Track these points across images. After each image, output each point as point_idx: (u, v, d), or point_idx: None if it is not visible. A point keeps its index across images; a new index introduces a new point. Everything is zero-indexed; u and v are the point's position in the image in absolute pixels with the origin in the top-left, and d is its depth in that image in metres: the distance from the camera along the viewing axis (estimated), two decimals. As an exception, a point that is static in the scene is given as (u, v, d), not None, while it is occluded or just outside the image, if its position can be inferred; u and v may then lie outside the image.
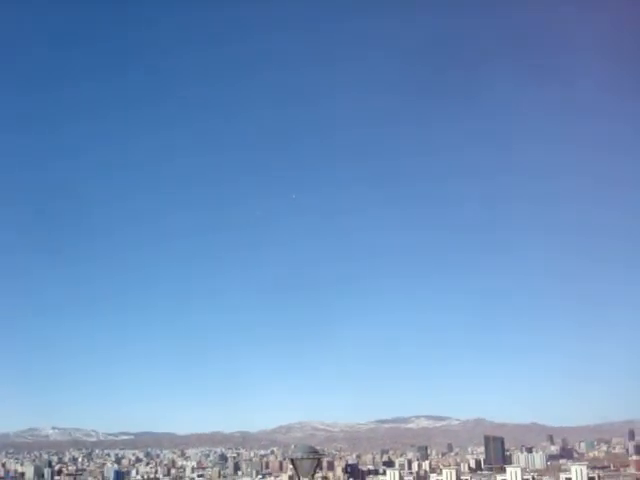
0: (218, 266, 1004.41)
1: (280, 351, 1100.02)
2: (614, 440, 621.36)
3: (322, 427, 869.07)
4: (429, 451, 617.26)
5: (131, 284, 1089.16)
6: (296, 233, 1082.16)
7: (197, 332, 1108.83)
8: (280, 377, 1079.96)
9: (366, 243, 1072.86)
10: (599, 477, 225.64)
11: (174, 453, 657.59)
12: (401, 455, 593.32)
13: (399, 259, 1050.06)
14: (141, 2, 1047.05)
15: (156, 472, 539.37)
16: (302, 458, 25.48)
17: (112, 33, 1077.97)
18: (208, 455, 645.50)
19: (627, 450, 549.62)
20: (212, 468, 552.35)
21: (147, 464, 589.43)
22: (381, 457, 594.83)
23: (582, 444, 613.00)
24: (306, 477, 25.85)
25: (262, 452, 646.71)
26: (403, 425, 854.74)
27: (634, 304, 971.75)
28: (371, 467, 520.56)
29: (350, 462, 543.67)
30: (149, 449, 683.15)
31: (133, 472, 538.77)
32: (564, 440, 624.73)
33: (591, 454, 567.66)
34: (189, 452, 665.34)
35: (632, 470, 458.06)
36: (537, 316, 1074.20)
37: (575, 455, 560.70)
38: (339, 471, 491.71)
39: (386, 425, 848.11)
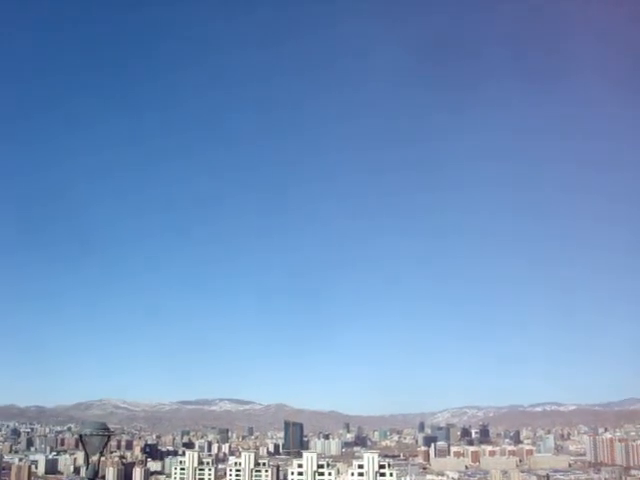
0: None
1: (86, 325, 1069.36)
2: (405, 431, 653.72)
3: (123, 405, 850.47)
4: (230, 434, 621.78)
5: None
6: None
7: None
8: (82, 352, 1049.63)
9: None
10: (389, 465, 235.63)
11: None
12: (202, 437, 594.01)
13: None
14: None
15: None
16: (91, 435, 24.58)
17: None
18: (0, 429, 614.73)
19: (416, 441, 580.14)
20: (3, 443, 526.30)
21: None
22: (181, 438, 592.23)
23: (376, 433, 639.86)
24: (95, 454, 24.96)
25: (58, 428, 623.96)
26: (206, 407, 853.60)
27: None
28: (171, 448, 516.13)
29: (150, 442, 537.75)
30: None
31: None
32: (359, 428, 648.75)
33: (384, 443, 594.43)
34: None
35: (420, 459, 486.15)
36: (342, 310, 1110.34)
37: (369, 443, 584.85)
38: (138, 450, 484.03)
39: (189, 406, 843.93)
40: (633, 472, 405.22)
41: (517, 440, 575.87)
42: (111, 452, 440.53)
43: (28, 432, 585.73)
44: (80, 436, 24.78)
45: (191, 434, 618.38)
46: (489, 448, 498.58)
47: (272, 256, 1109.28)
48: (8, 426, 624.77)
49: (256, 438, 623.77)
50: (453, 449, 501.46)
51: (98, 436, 24.33)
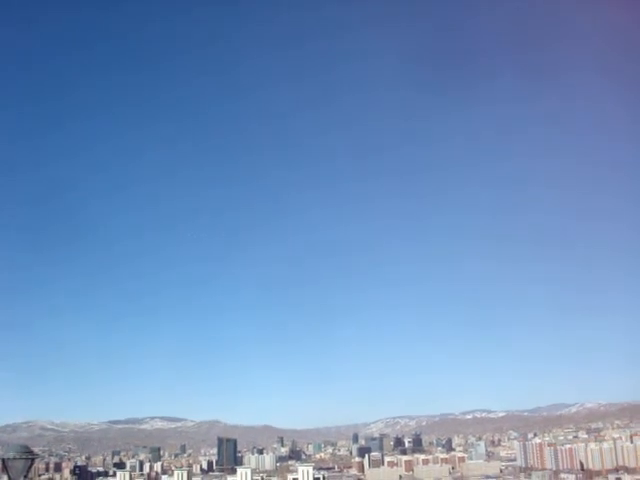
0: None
1: (8, 349, 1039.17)
2: (340, 443, 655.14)
3: (51, 427, 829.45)
4: (162, 452, 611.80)
5: None
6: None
7: None
8: (6, 374, 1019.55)
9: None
10: (324, 477, 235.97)
11: None
12: (133, 456, 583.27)
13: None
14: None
15: None
16: (14, 458, 23.56)
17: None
18: None
19: (351, 452, 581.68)
20: None
21: None
22: (112, 458, 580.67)
23: (310, 446, 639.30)
24: (19, 478, 23.98)
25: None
26: (137, 426, 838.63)
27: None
28: (101, 469, 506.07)
29: (79, 463, 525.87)
30: None
31: None
32: (293, 442, 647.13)
33: (318, 455, 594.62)
34: None
35: (354, 471, 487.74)
36: (268, 327, 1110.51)
37: (303, 456, 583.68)
38: (67, 473, 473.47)
39: (119, 426, 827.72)
40: (562, 475, 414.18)
41: (449, 448, 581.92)
42: (39, 475, 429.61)
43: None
44: (3, 460, 23.77)
45: (122, 454, 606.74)
46: (422, 457, 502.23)
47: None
48: None
49: (189, 456, 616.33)
50: (387, 459, 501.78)
51: (21, 459, 23.34)
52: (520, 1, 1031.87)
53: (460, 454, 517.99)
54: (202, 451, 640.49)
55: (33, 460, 23.97)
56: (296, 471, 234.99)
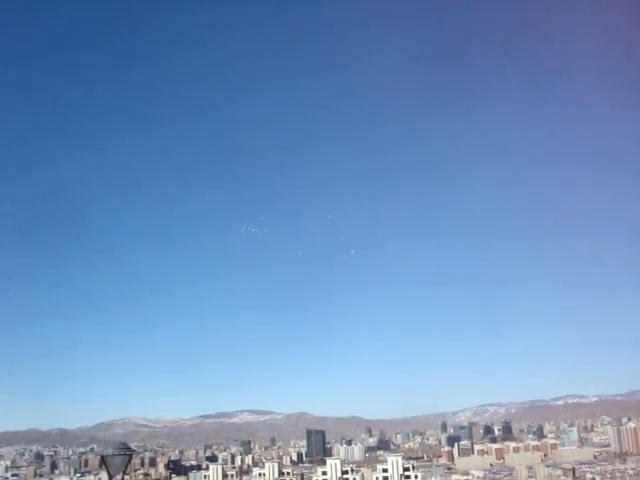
0: None
1: (101, 346, 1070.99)
2: (428, 432, 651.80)
3: (145, 423, 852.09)
4: (252, 445, 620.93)
5: None
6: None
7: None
8: (100, 372, 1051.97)
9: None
10: (413, 467, 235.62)
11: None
12: (224, 450, 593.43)
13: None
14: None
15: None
16: (113, 455, 24.79)
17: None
18: (23, 454, 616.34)
19: (440, 441, 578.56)
20: (27, 467, 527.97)
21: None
22: (204, 452, 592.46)
23: (398, 436, 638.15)
24: (118, 474, 25.19)
25: (81, 450, 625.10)
26: (227, 420, 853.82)
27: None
28: (194, 463, 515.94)
29: (173, 458, 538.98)
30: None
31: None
32: (382, 432, 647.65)
33: (407, 445, 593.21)
34: (2, 451, 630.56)
35: (444, 460, 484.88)
36: (357, 312, 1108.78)
37: (392, 446, 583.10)
38: (161, 467, 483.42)
39: (210, 420, 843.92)
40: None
41: (540, 435, 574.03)
42: (135, 470, 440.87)
43: (51, 455, 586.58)
44: (102, 457, 24.99)
45: (214, 447, 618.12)
46: (513, 444, 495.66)
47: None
48: (31, 450, 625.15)
49: (279, 448, 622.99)
50: (477, 447, 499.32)
51: (120, 456, 24.51)
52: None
53: (552, 441, 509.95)
54: (291, 443, 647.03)
55: (131, 456, 25.14)
56: (385, 461, 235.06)
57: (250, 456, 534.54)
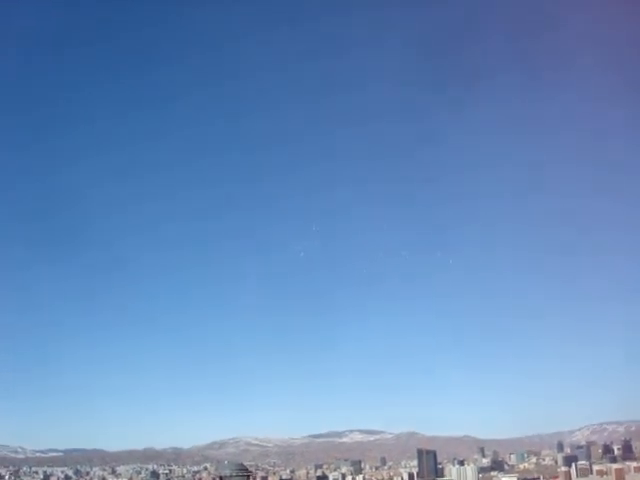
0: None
1: (212, 367, 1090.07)
2: (543, 452, 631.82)
3: (256, 442, 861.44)
4: (363, 465, 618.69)
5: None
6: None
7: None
8: (212, 392, 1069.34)
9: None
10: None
11: (104, 470, 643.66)
12: (335, 470, 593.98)
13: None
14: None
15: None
16: (231, 475, 24.51)
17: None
18: (139, 472, 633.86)
19: (556, 461, 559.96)
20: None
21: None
22: (315, 472, 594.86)
23: (512, 456, 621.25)
24: (236, 494, 24.83)
25: (195, 468, 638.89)
26: (337, 439, 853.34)
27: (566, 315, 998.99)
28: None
29: (284, 477, 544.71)
30: (78, 466, 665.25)
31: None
32: (495, 452, 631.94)
33: (521, 466, 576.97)
34: (120, 469, 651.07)
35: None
36: (465, 332, 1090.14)
37: (506, 467, 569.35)
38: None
39: (320, 440, 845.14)
40: None
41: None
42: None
43: (167, 474, 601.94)
44: (220, 477, 24.71)
45: (324, 467, 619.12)
46: (634, 464, 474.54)
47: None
48: (147, 469, 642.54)
49: (389, 468, 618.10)
50: (595, 468, 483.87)
51: (238, 477, 24.18)
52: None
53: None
54: (402, 463, 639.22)
55: (249, 477, 24.79)
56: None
57: (361, 476, 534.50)
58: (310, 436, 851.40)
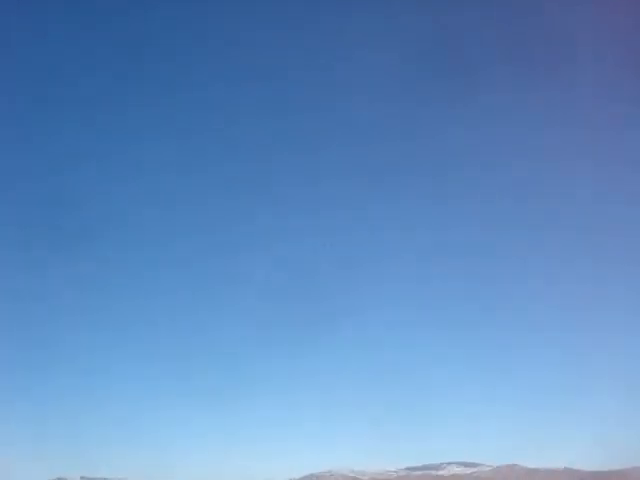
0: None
1: (302, 398, 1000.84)
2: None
3: (352, 475, 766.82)
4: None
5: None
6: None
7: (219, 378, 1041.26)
8: (303, 423, 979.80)
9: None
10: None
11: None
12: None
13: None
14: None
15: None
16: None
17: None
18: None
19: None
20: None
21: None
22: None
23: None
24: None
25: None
26: (434, 472, 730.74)
27: None
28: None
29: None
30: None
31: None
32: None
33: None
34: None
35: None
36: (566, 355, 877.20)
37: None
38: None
39: (417, 472, 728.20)
40: None
41: None
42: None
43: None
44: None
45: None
46: None
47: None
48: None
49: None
50: None
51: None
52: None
53: None
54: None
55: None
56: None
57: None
58: (406, 468, 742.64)
